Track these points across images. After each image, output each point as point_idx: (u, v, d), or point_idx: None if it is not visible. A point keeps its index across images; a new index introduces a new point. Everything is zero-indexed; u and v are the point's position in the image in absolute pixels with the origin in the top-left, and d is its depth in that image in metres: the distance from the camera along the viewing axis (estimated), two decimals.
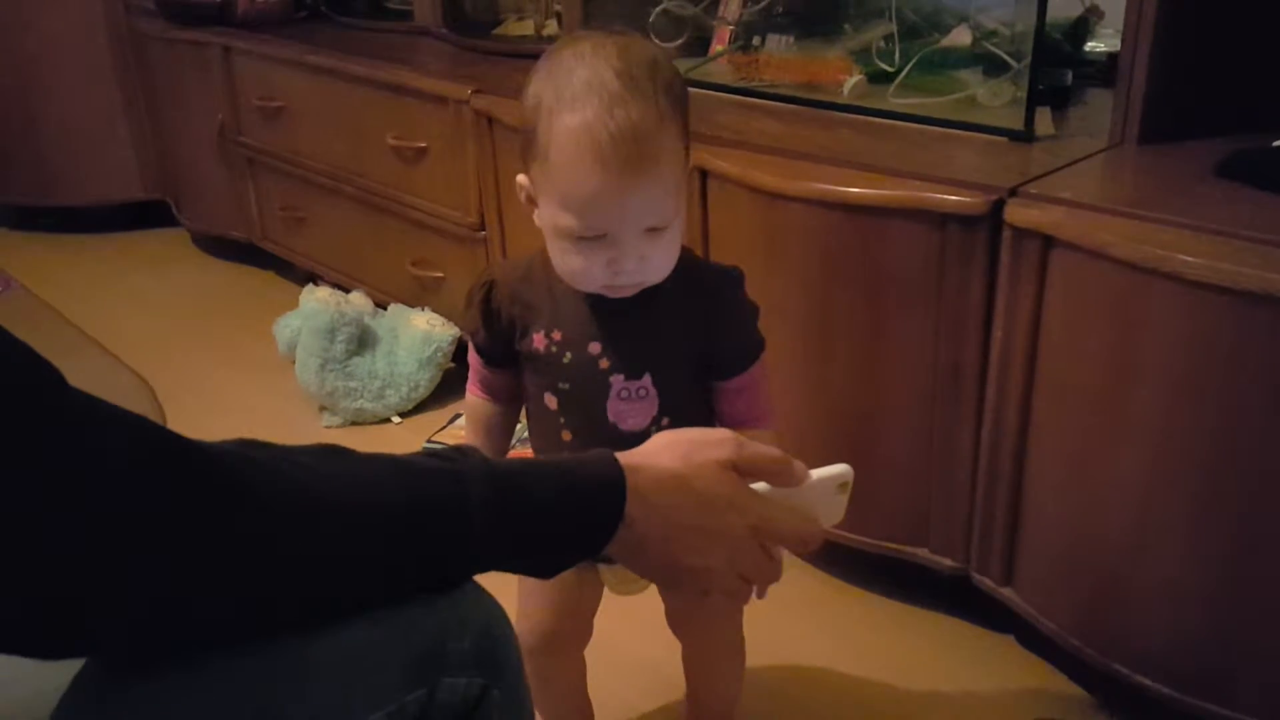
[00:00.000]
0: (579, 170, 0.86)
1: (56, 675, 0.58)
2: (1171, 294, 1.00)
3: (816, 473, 0.76)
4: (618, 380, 0.96)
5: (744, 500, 0.72)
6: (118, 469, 0.51)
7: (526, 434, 1.08)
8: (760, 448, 0.74)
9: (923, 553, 1.35)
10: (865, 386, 1.30)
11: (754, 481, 0.74)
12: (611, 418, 0.97)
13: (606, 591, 1.08)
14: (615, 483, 0.67)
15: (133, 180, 2.83)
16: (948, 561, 1.33)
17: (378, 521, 0.60)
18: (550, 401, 0.99)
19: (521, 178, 0.95)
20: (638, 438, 0.91)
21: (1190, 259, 0.98)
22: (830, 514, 0.78)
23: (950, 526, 1.31)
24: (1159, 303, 1.01)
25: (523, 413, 1.07)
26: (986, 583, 1.30)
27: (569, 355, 0.96)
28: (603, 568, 1.07)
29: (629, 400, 0.97)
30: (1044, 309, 1.13)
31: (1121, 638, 1.16)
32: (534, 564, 0.68)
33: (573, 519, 0.67)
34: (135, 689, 0.56)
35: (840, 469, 0.77)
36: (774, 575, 0.74)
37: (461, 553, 0.63)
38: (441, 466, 0.63)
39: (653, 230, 0.89)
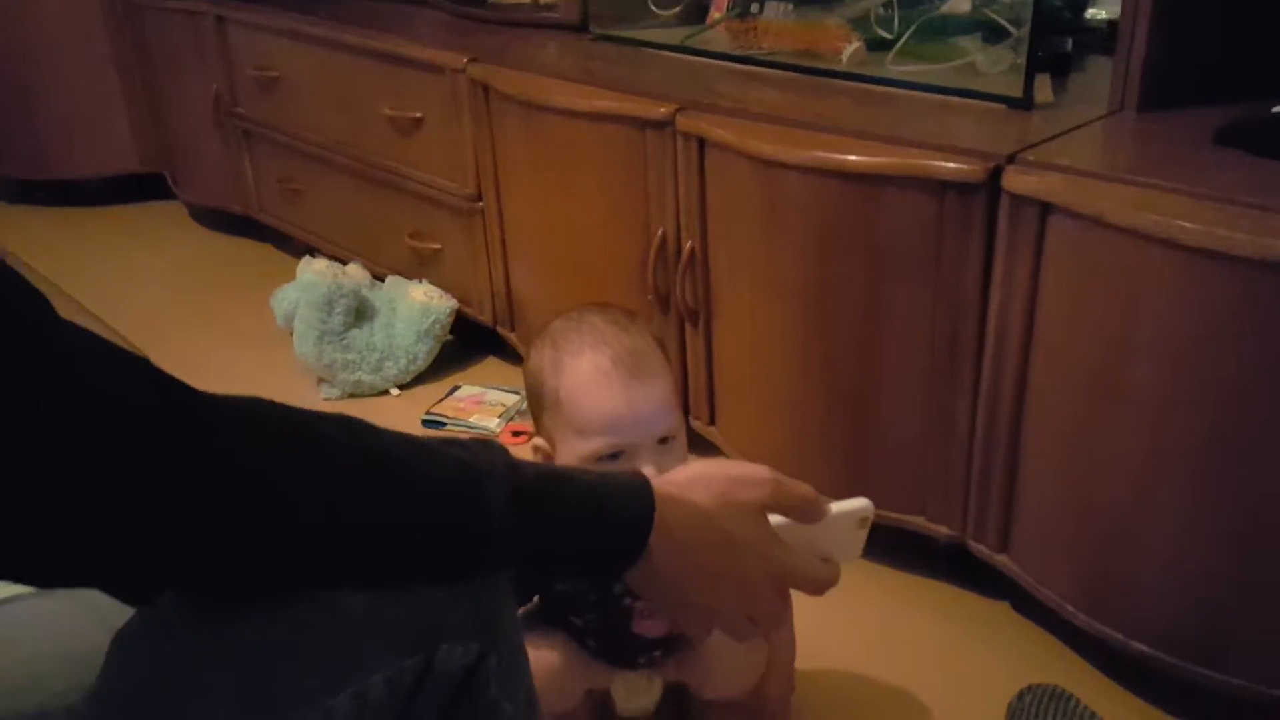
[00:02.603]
0: (590, 395, 0.99)
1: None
2: (1169, 260, 0.99)
3: (837, 507, 0.74)
4: (640, 606, 1.04)
5: (768, 548, 0.70)
6: (113, 406, 0.49)
7: (525, 406, 1.10)
8: (795, 488, 0.72)
9: (919, 521, 1.35)
10: (863, 357, 1.30)
11: (775, 515, 0.73)
12: (636, 631, 1.07)
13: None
14: (643, 518, 0.65)
15: (128, 153, 2.82)
16: (944, 529, 1.34)
17: (390, 502, 0.58)
18: (575, 620, 1.08)
19: (536, 440, 1.06)
20: (660, 640, 1.06)
21: (1188, 225, 0.97)
22: (848, 550, 0.76)
23: (947, 495, 1.31)
24: (1156, 269, 1.01)
25: None
26: (982, 550, 1.31)
27: (594, 594, 1.05)
28: (615, 684, 1.12)
29: (652, 616, 1.05)
30: (1041, 277, 1.13)
31: (1117, 605, 1.16)
32: (545, 579, 0.67)
33: (594, 545, 0.65)
34: (138, 646, 0.57)
35: (861, 504, 0.75)
36: (780, 620, 0.73)
37: (473, 557, 0.61)
38: (464, 461, 0.61)
39: (664, 443, 1.00)
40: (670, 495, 0.67)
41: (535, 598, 1.12)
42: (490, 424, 1.84)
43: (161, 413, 0.51)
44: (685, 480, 0.70)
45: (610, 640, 1.09)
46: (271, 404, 0.57)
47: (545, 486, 0.63)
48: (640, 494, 0.65)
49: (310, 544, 0.56)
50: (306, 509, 0.55)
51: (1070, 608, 1.21)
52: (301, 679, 0.58)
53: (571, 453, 1.01)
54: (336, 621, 0.59)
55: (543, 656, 1.06)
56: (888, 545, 1.40)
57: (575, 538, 0.64)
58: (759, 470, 0.71)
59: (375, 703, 0.59)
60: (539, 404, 1.05)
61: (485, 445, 0.63)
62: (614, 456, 1.00)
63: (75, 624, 0.64)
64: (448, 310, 1.97)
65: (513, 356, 1.99)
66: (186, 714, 0.56)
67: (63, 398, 0.48)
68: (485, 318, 1.95)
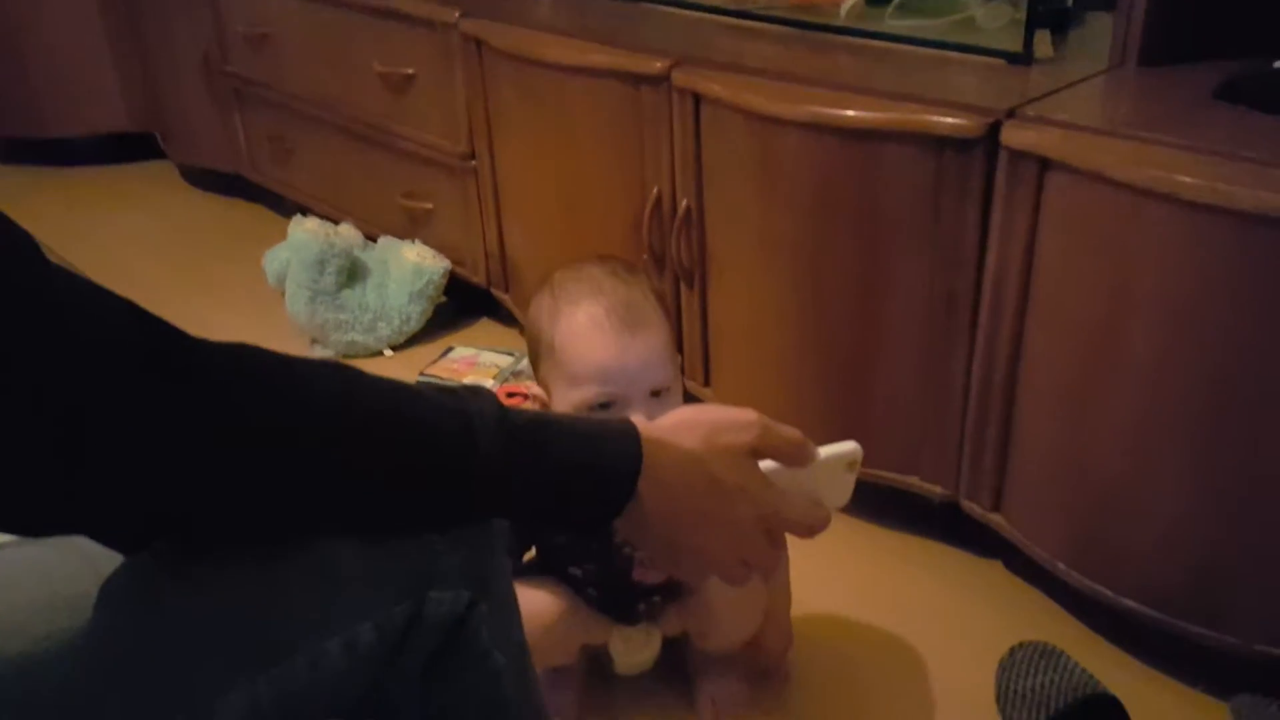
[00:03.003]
0: (584, 344, 1.01)
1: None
2: (1168, 215, 0.99)
3: (825, 451, 0.74)
4: (640, 554, 1.05)
5: (757, 489, 0.70)
6: (100, 347, 0.49)
7: (521, 366, 1.11)
8: (783, 431, 0.72)
9: (913, 480, 1.35)
10: (859, 315, 1.29)
11: (765, 459, 0.72)
12: (636, 578, 1.08)
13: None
14: (632, 462, 0.65)
15: (118, 112, 2.78)
16: (938, 489, 1.33)
17: (378, 443, 0.58)
18: (573, 570, 1.10)
19: (534, 389, 1.09)
20: (660, 587, 1.08)
21: (1188, 179, 0.96)
22: (838, 494, 0.76)
23: (941, 454, 1.31)
24: (1155, 225, 1.00)
25: None
26: (975, 509, 1.31)
27: (595, 543, 1.06)
28: (613, 639, 1.12)
29: (652, 564, 1.07)
30: (1039, 233, 1.12)
31: (1109, 563, 1.17)
32: (531, 526, 0.67)
33: (583, 491, 0.64)
34: (128, 592, 0.56)
35: (849, 447, 0.75)
36: (775, 564, 0.73)
37: (462, 500, 0.61)
38: (453, 407, 0.60)
39: (656, 396, 1.01)
40: (658, 439, 0.66)
41: (534, 549, 1.13)
42: (484, 385, 1.83)
43: (149, 353, 0.51)
44: (672, 425, 0.69)
45: (610, 589, 1.09)
46: (258, 348, 0.56)
47: (533, 431, 0.62)
48: (628, 438, 0.65)
49: (298, 484, 0.55)
50: (295, 449, 0.55)
51: (1062, 566, 1.21)
52: (290, 626, 0.57)
53: (564, 400, 1.03)
54: (326, 569, 0.58)
55: (540, 606, 1.07)
56: (881, 504, 1.40)
57: (564, 482, 0.63)
58: (746, 414, 0.71)
59: (365, 649, 0.58)
60: (536, 352, 1.07)
61: (474, 392, 0.62)
62: (605, 407, 1.01)
63: (63, 570, 0.63)
64: (441, 271, 1.96)
65: (507, 318, 1.98)
66: (174, 663, 0.56)
67: (49, 339, 0.47)
68: (479, 279, 1.94)
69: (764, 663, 1.20)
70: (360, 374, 0.59)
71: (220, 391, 0.53)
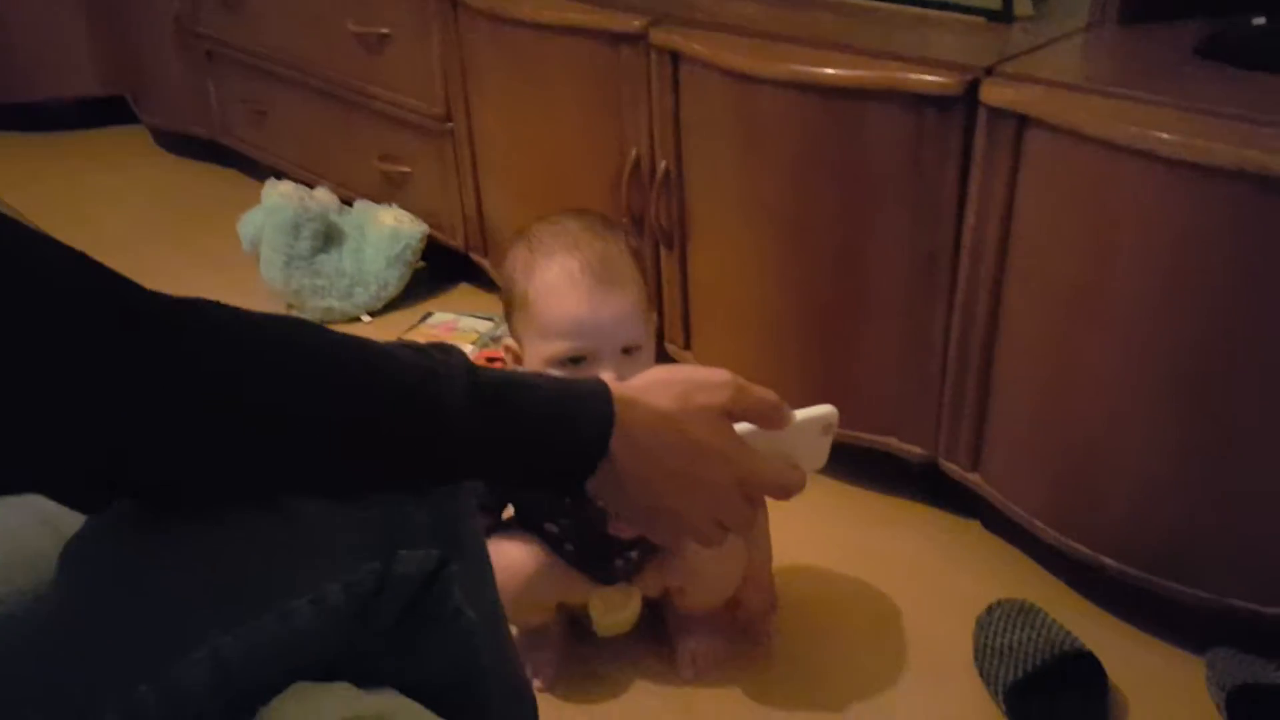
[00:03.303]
0: (556, 297, 1.00)
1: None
2: (1146, 173, 0.98)
3: (801, 414, 0.74)
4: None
5: (731, 449, 0.69)
6: (50, 296, 0.47)
7: (500, 331, 1.11)
8: (757, 392, 0.71)
9: (892, 441, 1.35)
10: (838, 275, 1.29)
11: (740, 422, 0.72)
12: (611, 532, 1.06)
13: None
14: (603, 421, 0.63)
15: (89, 75, 2.73)
16: (916, 449, 1.34)
17: (341, 397, 0.56)
18: (550, 526, 1.10)
19: (507, 341, 1.08)
20: (637, 541, 1.08)
21: (1167, 136, 0.96)
22: (814, 457, 0.76)
23: (919, 415, 1.31)
24: (1133, 182, 1.00)
25: None
26: (954, 469, 1.31)
27: (570, 498, 1.05)
28: (592, 598, 1.12)
29: (627, 527, 1.05)
30: (1018, 191, 1.11)
31: (1086, 521, 1.17)
32: (502, 485, 0.65)
33: (553, 450, 0.63)
34: (91, 552, 0.55)
35: (824, 410, 0.75)
36: (751, 525, 0.72)
37: (428, 457, 0.59)
38: (420, 365, 0.59)
39: (628, 352, 1.01)
40: (630, 399, 0.65)
41: (510, 507, 1.13)
42: (464, 351, 1.82)
43: (102, 303, 0.49)
44: (644, 384, 0.68)
45: (587, 543, 1.09)
46: (218, 302, 0.55)
47: (502, 390, 0.61)
48: (599, 398, 0.64)
49: (259, 439, 0.54)
50: (254, 402, 0.53)
51: (1040, 524, 1.21)
52: (256, 586, 0.56)
53: (536, 354, 1.02)
54: (292, 528, 0.57)
55: (516, 561, 1.07)
56: (861, 466, 1.40)
57: (533, 439, 0.62)
58: (719, 373, 0.70)
59: (333, 609, 0.57)
60: (510, 303, 1.07)
61: (442, 348, 0.61)
62: (577, 362, 1.00)
63: (21, 530, 0.62)
64: (418, 235, 1.94)
65: (486, 283, 1.97)
66: (138, 625, 0.55)
67: None
68: (457, 243, 1.92)
69: (747, 623, 1.21)
70: (323, 329, 0.58)
71: (177, 342, 0.51)
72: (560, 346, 1.01)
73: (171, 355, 0.51)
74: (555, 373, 0.99)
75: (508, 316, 1.09)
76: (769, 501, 0.73)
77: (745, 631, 1.21)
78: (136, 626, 0.55)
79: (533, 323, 1.03)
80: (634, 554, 1.12)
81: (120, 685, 0.53)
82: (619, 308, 1.01)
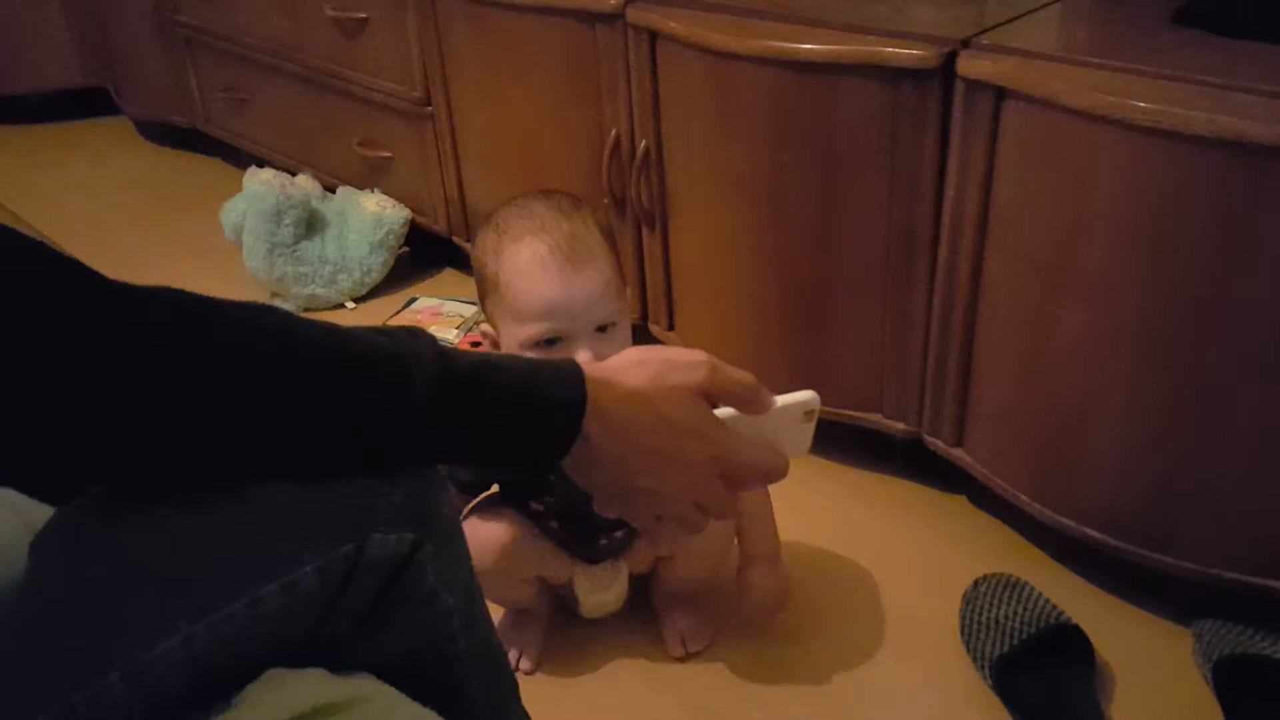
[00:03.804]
0: (527, 280, 1.00)
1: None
2: (1122, 142, 0.98)
3: (782, 399, 0.73)
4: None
5: (708, 429, 0.69)
6: (10, 283, 0.47)
7: (484, 316, 1.11)
8: (733, 373, 0.70)
9: (876, 418, 1.35)
10: (818, 252, 1.28)
11: (721, 407, 0.71)
12: (597, 509, 1.01)
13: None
14: (575, 401, 0.63)
15: (70, 66, 2.71)
16: (900, 425, 1.34)
17: (309, 380, 0.56)
18: (534, 505, 1.09)
19: (483, 326, 1.08)
20: (619, 521, 1.01)
21: (1142, 104, 0.95)
22: (796, 443, 0.75)
23: (903, 391, 1.31)
24: (1110, 151, 0.99)
25: None
26: (938, 445, 1.31)
27: (552, 475, 1.01)
28: (578, 578, 1.11)
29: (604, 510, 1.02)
30: (997, 163, 1.10)
31: (1070, 493, 1.17)
32: (477, 467, 0.65)
33: (526, 431, 0.63)
34: (60, 543, 0.55)
35: (806, 396, 0.74)
36: (730, 509, 0.71)
37: (399, 440, 0.59)
38: (388, 348, 0.58)
39: (603, 330, 1.01)
40: (604, 379, 0.65)
41: (494, 486, 1.12)
42: (449, 336, 1.81)
43: (61, 291, 0.49)
44: (619, 365, 0.68)
45: (571, 521, 1.09)
46: (185, 291, 0.55)
47: (473, 371, 0.61)
48: (571, 377, 0.64)
49: (228, 426, 0.54)
50: (223, 388, 0.53)
51: (1024, 497, 1.21)
52: (228, 572, 0.56)
53: (511, 337, 1.02)
54: (263, 513, 0.57)
55: (491, 533, 1.07)
56: (846, 442, 1.40)
57: (506, 420, 0.62)
58: (694, 354, 0.69)
59: (305, 593, 0.57)
60: (483, 289, 1.06)
61: (412, 333, 0.61)
62: (552, 343, 1.00)
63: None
64: (401, 220, 1.93)
65: (469, 267, 1.94)
66: (108, 614, 0.55)
67: None
68: (440, 227, 1.91)
69: (754, 613, 1.17)
70: (289, 314, 0.58)
71: (144, 329, 0.51)
72: (534, 329, 1.00)
73: (135, 341, 0.51)
74: (531, 355, 0.99)
75: (481, 301, 1.09)
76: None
77: (751, 622, 1.18)
78: (108, 615, 0.55)
79: (506, 307, 1.03)
80: (619, 534, 1.12)
81: (91, 674, 0.53)
82: (590, 286, 1.00)
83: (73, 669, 0.53)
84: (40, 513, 0.57)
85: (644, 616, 1.21)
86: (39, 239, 0.50)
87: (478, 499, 1.13)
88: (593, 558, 1.13)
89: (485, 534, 1.07)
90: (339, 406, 0.57)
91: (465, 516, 1.10)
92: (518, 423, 0.63)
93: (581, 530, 1.11)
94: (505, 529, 1.08)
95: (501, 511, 1.10)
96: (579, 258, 1.01)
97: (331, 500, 0.59)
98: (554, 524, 1.10)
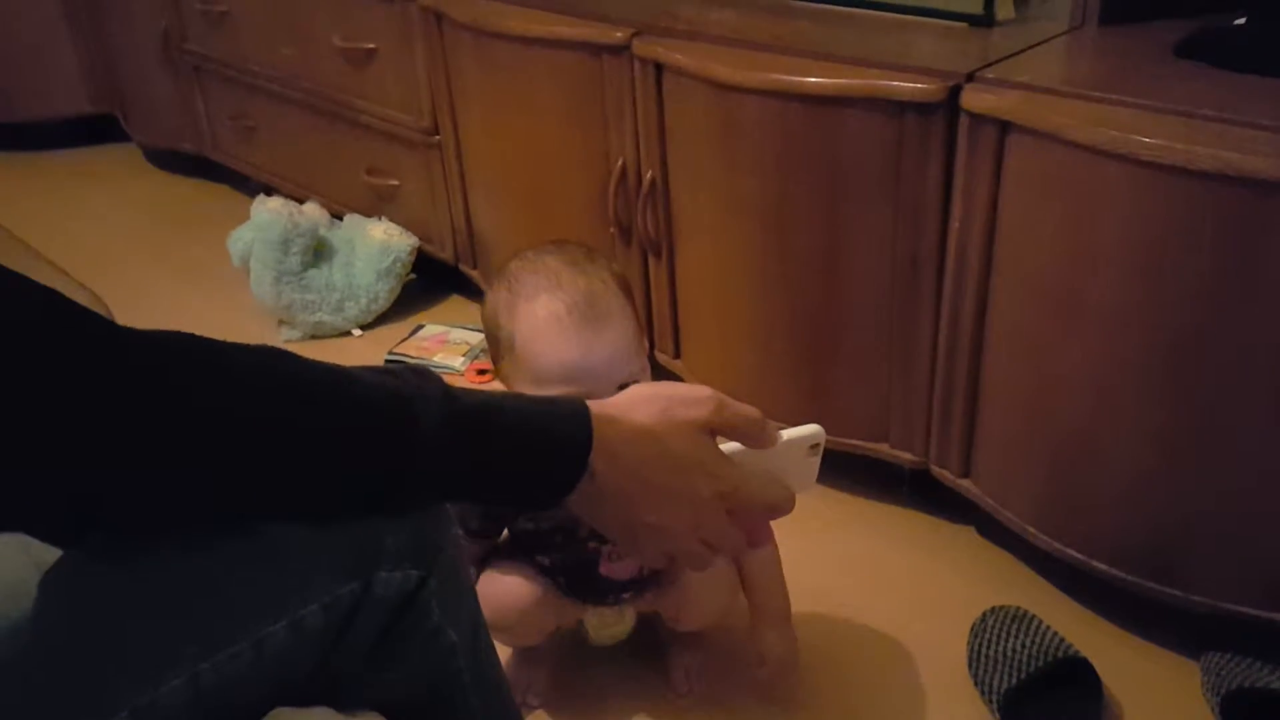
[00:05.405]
0: (545, 344, 0.96)
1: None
2: (1127, 176, 0.98)
3: (788, 433, 0.73)
4: (606, 549, 1.05)
5: (715, 465, 0.69)
6: (19, 332, 0.48)
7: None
8: (739, 408, 0.70)
9: (883, 448, 1.35)
10: (824, 282, 1.29)
11: (727, 442, 0.71)
12: (603, 574, 1.06)
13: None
14: (582, 438, 0.63)
15: (78, 93, 2.73)
16: (908, 455, 1.33)
17: (314, 423, 0.56)
18: (542, 560, 1.08)
19: (495, 384, 1.05)
20: (629, 582, 1.07)
21: (1146, 139, 0.96)
22: (802, 477, 0.75)
23: (910, 421, 1.31)
24: (1115, 185, 1.00)
25: None
26: (946, 475, 1.31)
27: (559, 536, 1.04)
28: (586, 615, 1.11)
29: (619, 560, 1.06)
30: (1001, 197, 1.11)
31: (1077, 525, 1.17)
32: (484, 504, 0.65)
33: (533, 471, 0.63)
34: (69, 581, 0.55)
35: (811, 430, 0.74)
36: (739, 546, 0.71)
37: (404, 480, 0.59)
38: (395, 390, 0.59)
39: (624, 389, 0.94)
40: (610, 416, 0.65)
41: (505, 532, 1.12)
42: (455, 363, 1.82)
43: (73, 338, 0.49)
44: (625, 402, 0.68)
45: (578, 579, 1.08)
46: (190, 334, 0.55)
47: (480, 410, 0.61)
48: (578, 415, 0.64)
49: (232, 470, 0.54)
50: (227, 433, 0.53)
51: (1032, 529, 1.21)
52: (234, 611, 0.57)
53: None
54: (270, 552, 0.57)
55: (513, 592, 1.06)
56: (853, 472, 1.40)
57: (512, 459, 0.62)
58: (700, 389, 0.70)
59: (312, 631, 0.57)
60: (496, 348, 1.02)
61: (418, 373, 0.61)
62: None
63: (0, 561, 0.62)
64: (408, 248, 1.94)
65: (476, 294, 1.96)
66: (116, 652, 0.55)
67: None
68: (446, 255, 1.92)
69: (769, 679, 1.13)
70: (295, 357, 0.58)
71: (153, 375, 0.52)
72: (556, 392, 0.94)
73: (145, 387, 0.51)
74: None
75: (494, 361, 1.04)
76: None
77: (767, 687, 1.14)
78: (116, 654, 0.55)
79: (523, 369, 0.98)
80: (627, 595, 1.11)
81: (100, 711, 0.53)
82: (611, 346, 0.96)
83: (82, 706, 0.53)
84: (50, 551, 0.58)
85: (651, 649, 1.20)
86: (47, 284, 0.50)
87: (488, 551, 1.11)
88: (601, 603, 1.12)
89: (505, 593, 1.05)
90: (347, 449, 0.57)
91: (481, 570, 1.08)
92: (524, 461, 0.63)
93: (588, 588, 1.09)
94: (526, 589, 1.06)
95: (520, 569, 1.07)
96: (598, 316, 0.96)
97: (337, 539, 0.59)
98: (560, 579, 1.09)
